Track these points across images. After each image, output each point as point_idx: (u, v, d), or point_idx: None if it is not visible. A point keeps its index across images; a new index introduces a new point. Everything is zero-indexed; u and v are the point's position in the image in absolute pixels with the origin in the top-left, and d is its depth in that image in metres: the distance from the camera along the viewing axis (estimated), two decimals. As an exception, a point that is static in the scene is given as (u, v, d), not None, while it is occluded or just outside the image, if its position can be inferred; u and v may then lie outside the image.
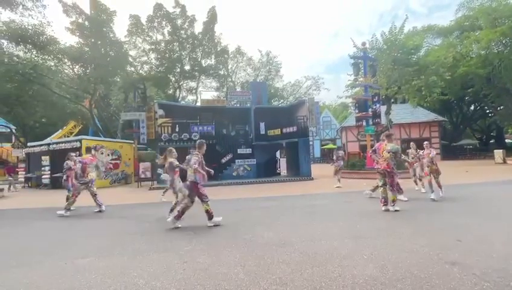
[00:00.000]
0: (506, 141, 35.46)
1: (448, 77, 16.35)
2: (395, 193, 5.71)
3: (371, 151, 6.15)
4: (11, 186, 14.06)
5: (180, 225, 4.90)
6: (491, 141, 34.88)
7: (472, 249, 3.28)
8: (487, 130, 36.22)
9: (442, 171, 6.95)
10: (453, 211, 5.46)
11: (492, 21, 19.56)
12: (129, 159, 16.45)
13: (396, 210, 5.49)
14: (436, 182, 6.70)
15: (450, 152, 27.80)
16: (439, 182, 6.73)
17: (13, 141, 27.59)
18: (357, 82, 15.38)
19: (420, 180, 8.19)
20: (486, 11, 19.94)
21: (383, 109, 15.74)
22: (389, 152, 5.65)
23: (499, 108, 25.24)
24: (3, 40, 17.16)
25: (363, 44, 14.75)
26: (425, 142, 7.24)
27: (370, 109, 14.13)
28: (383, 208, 5.59)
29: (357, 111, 14.94)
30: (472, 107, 33.46)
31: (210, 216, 4.89)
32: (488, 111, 30.83)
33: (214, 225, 4.86)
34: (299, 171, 14.24)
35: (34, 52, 18.45)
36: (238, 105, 17.43)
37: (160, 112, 14.06)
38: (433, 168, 6.70)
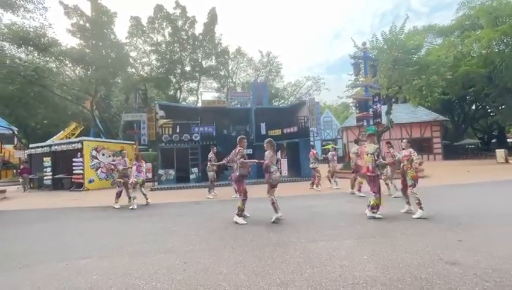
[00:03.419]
0: (508, 140, 35.33)
1: (449, 76, 16.28)
2: (378, 198, 5.03)
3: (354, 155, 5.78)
4: (25, 187, 14.27)
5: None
6: (492, 141, 34.75)
7: (473, 249, 3.27)
8: (489, 130, 36.10)
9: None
10: (453, 211, 5.44)
11: (493, 20, 19.51)
12: (130, 160, 16.48)
13: (376, 217, 4.98)
14: (407, 192, 5.39)
15: (452, 152, 27.72)
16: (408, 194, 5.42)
17: (15, 142, 27.77)
18: (358, 82, 15.34)
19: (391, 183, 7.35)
20: (487, 10, 19.89)
21: (384, 108, 15.70)
22: (367, 154, 5.15)
23: (500, 107, 25.14)
24: (4, 43, 17.27)
25: (364, 44, 14.71)
26: (404, 140, 5.58)
27: (371, 109, 14.07)
28: (369, 215, 5.05)
29: (357, 111, 14.90)
30: (473, 107, 33.35)
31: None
32: (489, 110, 30.70)
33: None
34: (300, 171, 14.22)
35: (36, 54, 18.59)
36: (238, 106, 17.43)
37: (161, 113, 14.09)
38: (413, 175, 5.17)
